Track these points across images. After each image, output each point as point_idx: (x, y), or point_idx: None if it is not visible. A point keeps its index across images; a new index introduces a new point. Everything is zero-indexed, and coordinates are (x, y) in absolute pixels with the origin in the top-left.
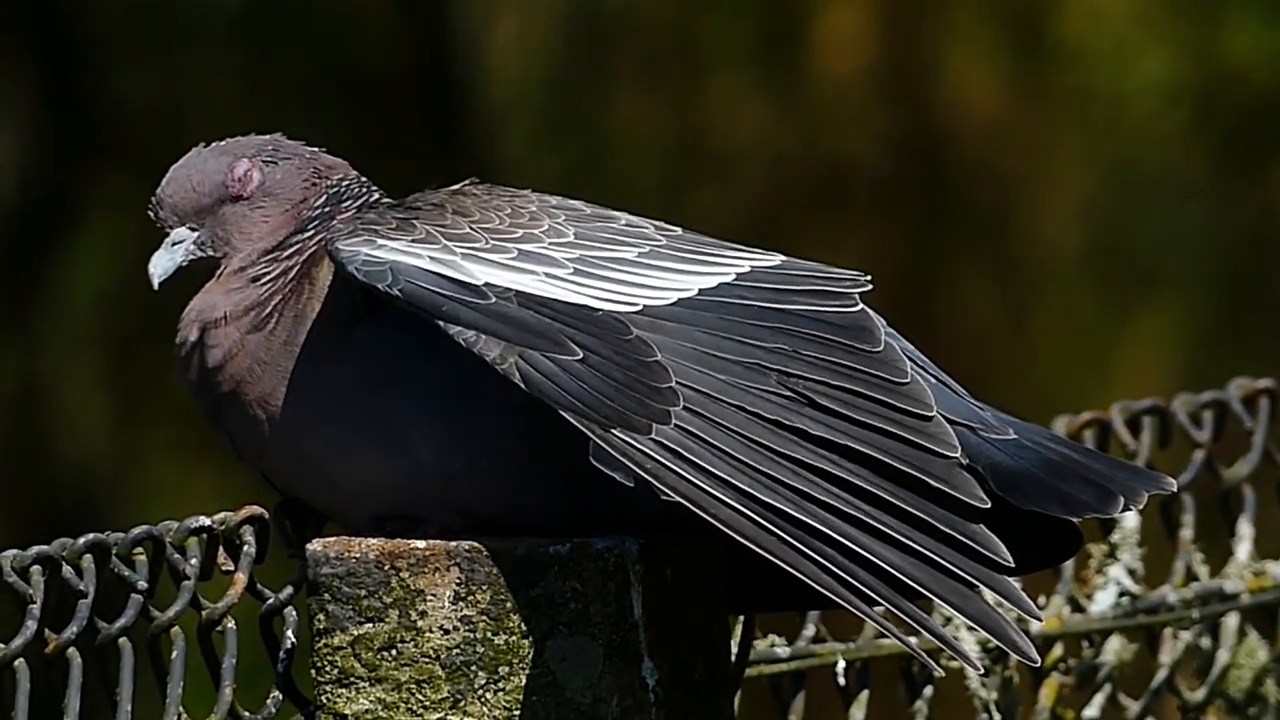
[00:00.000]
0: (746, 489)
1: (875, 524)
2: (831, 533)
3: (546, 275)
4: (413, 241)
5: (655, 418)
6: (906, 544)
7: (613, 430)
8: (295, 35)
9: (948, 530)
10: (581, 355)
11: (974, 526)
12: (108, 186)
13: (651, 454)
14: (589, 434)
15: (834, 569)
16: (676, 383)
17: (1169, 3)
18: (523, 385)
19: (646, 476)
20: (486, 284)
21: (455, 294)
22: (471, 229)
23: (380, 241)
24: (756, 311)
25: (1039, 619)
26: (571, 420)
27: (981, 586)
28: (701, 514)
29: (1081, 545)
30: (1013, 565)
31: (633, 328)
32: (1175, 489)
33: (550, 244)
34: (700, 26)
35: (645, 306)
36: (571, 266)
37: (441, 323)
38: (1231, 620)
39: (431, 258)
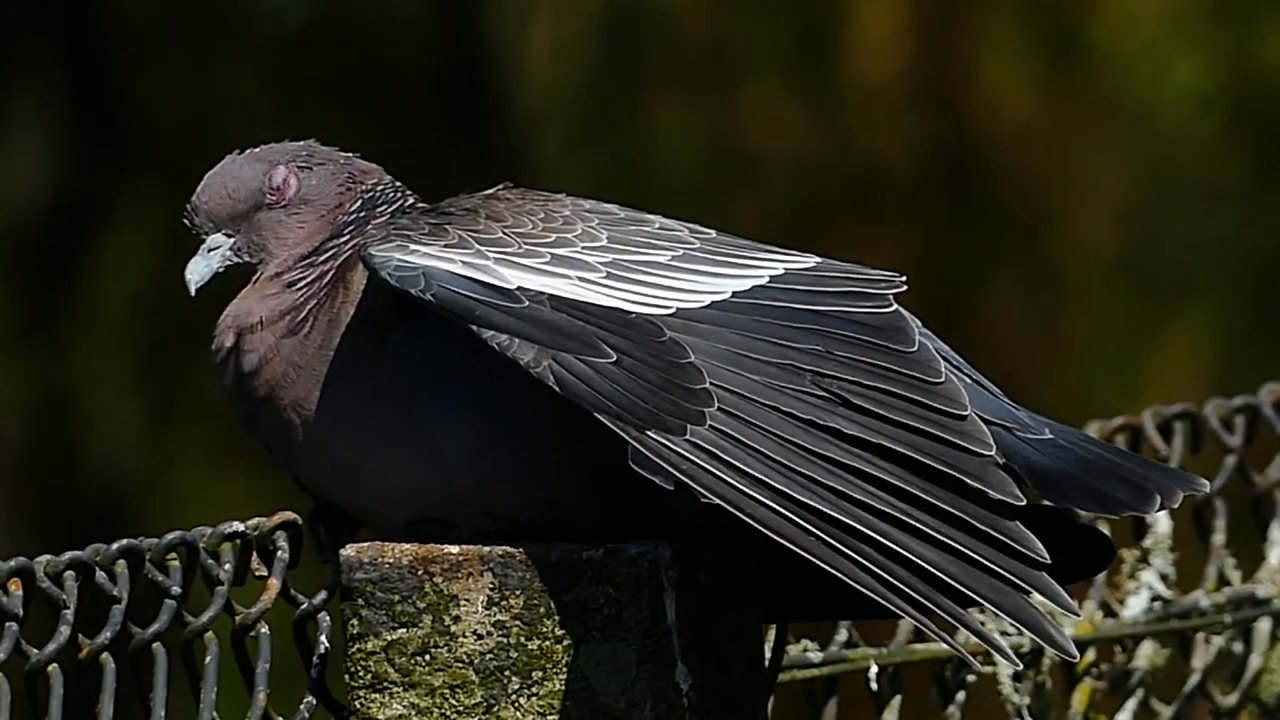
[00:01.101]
0: (783, 489)
1: (912, 521)
2: (868, 531)
3: (580, 279)
4: (445, 246)
5: (690, 419)
6: (943, 541)
7: (648, 432)
8: (328, 41)
9: (984, 527)
10: (615, 358)
11: (1010, 523)
12: (139, 191)
13: (687, 455)
14: (625, 437)
15: (871, 567)
16: (711, 384)
17: (1202, 8)
18: (557, 389)
19: (684, 479)
20: (519, 288)
21: (488, 298)
22: (505, 234)
23: (413, 247)
24: (790, 313)
25: (1077, 614)
26: (607, 423)
27: (1019, 582)
28: (740, 515)
29: (1114, 558)
30: (1049, 562)
31: (666, 330)
32: (1208, 489)
33: (584, 248)
34: (734, 31)
35: (679, 309)
36: (605, 270)
37: (475, 327)
38: (1264, 625)
39: (464, 263)
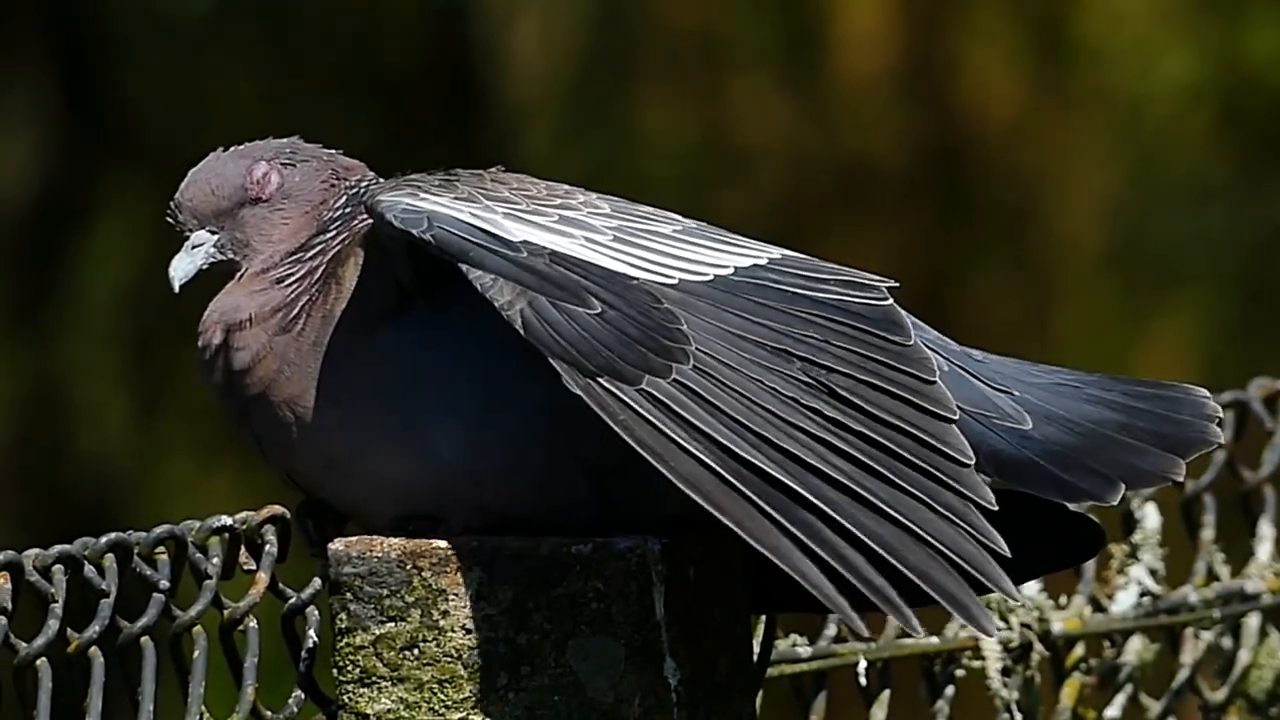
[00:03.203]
0: (728, 444)
1: (863, 492)
2: (809, 495)
3: (586, 239)
4: (455, 199)
5: (654, 370)
6: (889, 513)
7: (597, 379)
8: (315, 35)
9: (940, 509)
10: (600, 309)
11: (969, 510)
12: (125, 184)
13: (630, 402)
14: (568, 378)
15: (795, 531)
16: (695, 348)
17: (1190, 3)
18: (521, 330)
19: (615, 427)
20: (524, 241)
21: (486, 243)
22: (512, 194)
23: (424, 195)
24: (788, 296)
25: (1016, 599)
26: (556, 367)
27: (964, 565)
28: (660, 467)
29: (1104, 544)
30: (1006, 553)
31: (664, 300)
32: (1221, 439)
33: (589, 213)
34: (722, 26)
35: (681, 281)
36: (611, 234)
37: (464, 267)
38: (1253, 620)
39: (472, 213)
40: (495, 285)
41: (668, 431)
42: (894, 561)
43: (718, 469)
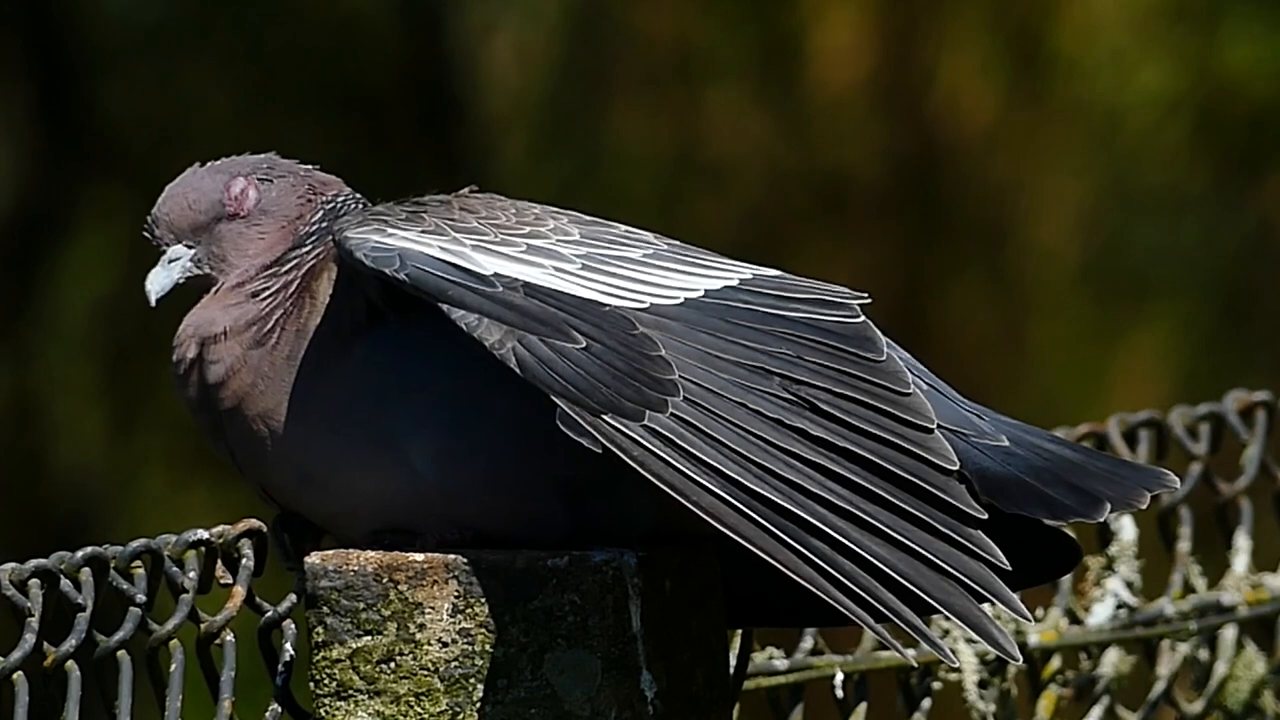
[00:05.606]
0: (736, 477)
1: (866, 517)
2: (821, 524)
3: (555, 269)
4: (422, 232)
5: (652, 406)
6: (898, 540)
7: (603, 416)
8: (292, 50)
9: (945, 530)
10: (584, 344)
11: (970, 529)
12: (101, 199)
13: (640, 440)
14: (576, 417)
15: (816, 560)
16: (680, 376)
17: (1167, 14)
18: (517, 370)
19: (632, 464)
20: (495, 274)
21: (462, 280)
22: (479, 224)
23: (390, 230)
24: (761, 316)
25: (1029, 619)
26: (562, 405)
27: (973, 585)
28: (683, 501)
29: (1080, 560)
30: (1008, 568)
31: (638, 324)
32: (1178, 486)
33: (558, 240)
34: (697, 39)
35: (652, 305)
36: (579, 262)
37: (445, 306)
38: (1229, 632)
39: (441, 247)
40: (481, 325)
41: (680, 467)
42: (912, 589)
43: (734, 501)
